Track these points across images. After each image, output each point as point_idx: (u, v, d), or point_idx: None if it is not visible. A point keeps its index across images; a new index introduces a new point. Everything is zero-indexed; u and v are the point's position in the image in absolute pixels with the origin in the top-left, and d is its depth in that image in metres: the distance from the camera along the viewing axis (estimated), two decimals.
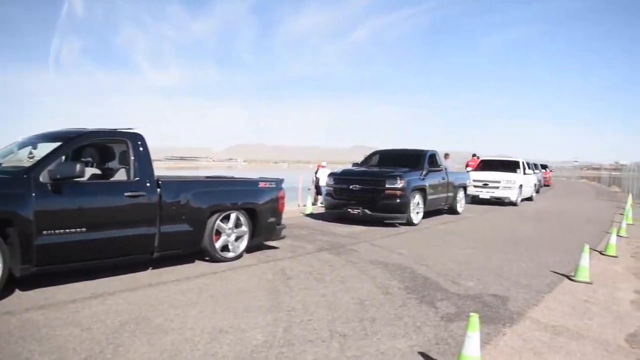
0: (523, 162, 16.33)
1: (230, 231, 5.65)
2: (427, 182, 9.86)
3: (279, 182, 6.37)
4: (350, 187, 9.30)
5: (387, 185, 8.98)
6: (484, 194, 14.82)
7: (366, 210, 8.99)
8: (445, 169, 11.19)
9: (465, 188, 12.21)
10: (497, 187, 14.69)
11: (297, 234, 7.87)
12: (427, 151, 10.64)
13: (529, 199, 17.12)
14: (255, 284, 4.67)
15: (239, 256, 5.76)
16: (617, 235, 9.15)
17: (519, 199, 15.07)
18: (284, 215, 6.52)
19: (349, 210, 9.20)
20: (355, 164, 11.19)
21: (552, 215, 12.35)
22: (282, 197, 6.32)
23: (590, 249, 7.56)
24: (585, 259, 5.36)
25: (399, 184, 8.96)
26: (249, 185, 6.05)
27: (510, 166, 16.13)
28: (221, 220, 5.53)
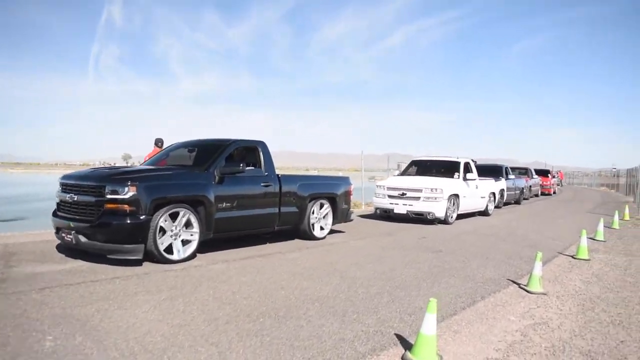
0: (467, 163, 12.10)
1: None
2: (212, 191, 6.09)
3: None
4: (68, 197, 5.74)
5: (108, 195, 5.32)
6: (400, 207, 10.75)
7: (80, 237, 5.40)
8: (279, 175, 7.26)
9: (333, 199, 8.24)
10: (417, 198, 10.59)
11: None
12: (232, 142, 6.83)
13: (484, 213, 12.94)
14: None
15: None
16: (529, 292, 5.12)
17: (453, 215, 10.86)
18: None
19: (63, 235, 5.66)
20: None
21: (472, 242, 8.29)
22: None
23: (397, 335, 3.76)
24: None
25: (127, 192, 5.27)
26: None
27: (448, 169, 12.05)
28: None
